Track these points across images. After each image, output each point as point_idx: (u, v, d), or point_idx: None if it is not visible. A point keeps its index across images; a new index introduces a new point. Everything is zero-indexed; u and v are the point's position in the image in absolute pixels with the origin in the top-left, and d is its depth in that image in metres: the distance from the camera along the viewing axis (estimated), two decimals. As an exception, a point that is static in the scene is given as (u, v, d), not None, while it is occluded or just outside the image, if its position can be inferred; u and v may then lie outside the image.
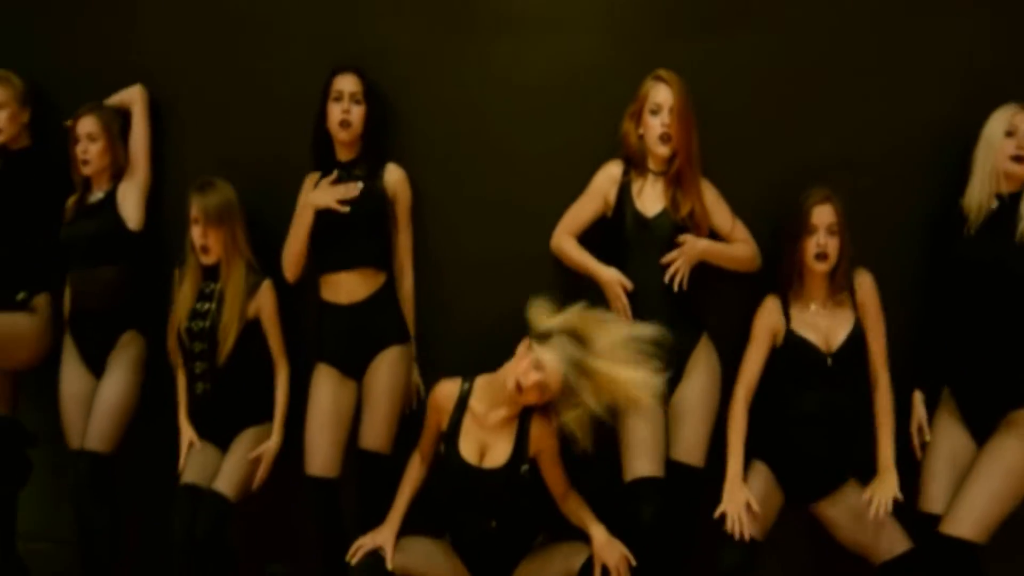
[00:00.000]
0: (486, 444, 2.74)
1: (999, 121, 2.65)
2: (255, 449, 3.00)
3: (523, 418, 2.72)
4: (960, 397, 2.70)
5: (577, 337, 2.57)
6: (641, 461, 2.68)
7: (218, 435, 3.07)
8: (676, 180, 2.76)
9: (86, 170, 3.19)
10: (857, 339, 2.71)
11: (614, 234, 2.82)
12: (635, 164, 2.82)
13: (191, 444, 3.07)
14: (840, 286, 2.73)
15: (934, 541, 2.58)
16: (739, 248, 2.84)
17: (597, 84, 2.97)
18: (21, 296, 3.26)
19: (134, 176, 3.22)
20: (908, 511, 2.65)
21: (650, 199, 2.78)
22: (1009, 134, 2.62)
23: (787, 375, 2.74)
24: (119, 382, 3.13)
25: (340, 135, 2.99)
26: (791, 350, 2.71)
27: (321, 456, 2.95)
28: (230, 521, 2.95)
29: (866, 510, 2.59)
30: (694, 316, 2.85)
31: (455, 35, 3.11)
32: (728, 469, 2.68)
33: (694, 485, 2.75)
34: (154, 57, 3.32)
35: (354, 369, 3.02)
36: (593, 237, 2.88)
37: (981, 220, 2.65)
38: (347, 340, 3.00)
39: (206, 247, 2.97)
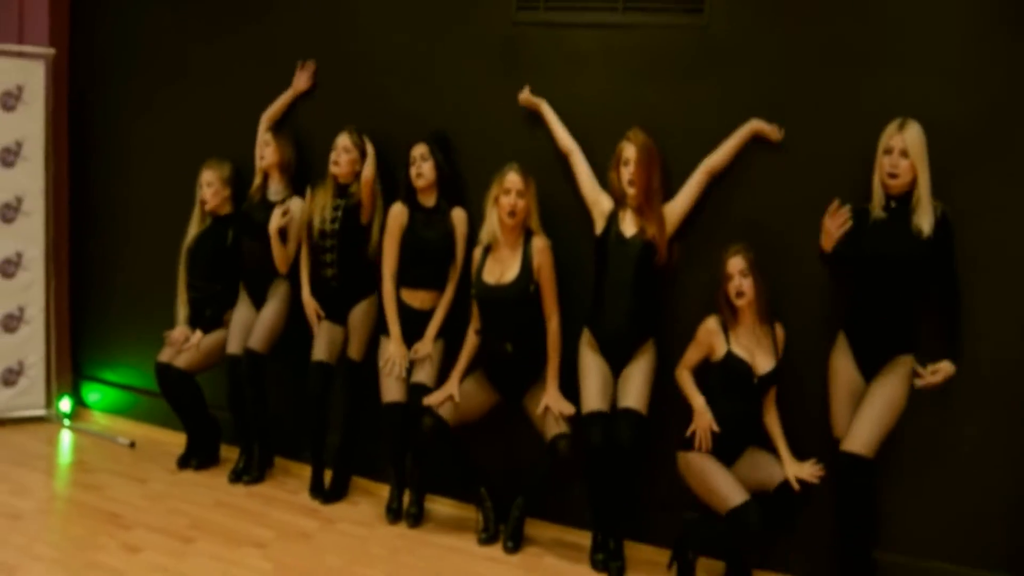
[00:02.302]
0: (502, 271, 3.78)
1: (883, 136, 3.19)
2: (365, 318, 4.20)
3: (525, 247, 3.76)
4: (855, 346, 3.35)
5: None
6: (593, 400, 3.62)
7: (340, 310, 4.22)
8: (640, 211, 3.60)
9: (262, 163, 4.36)
10: (776, 374, 3.45)
11: (601, 249, 3.66)
12: (618, 201, 3.67)
13: (318, 314, 4.24)
14: (764, 320, 3.45)
15: (837, 457, 3.29)
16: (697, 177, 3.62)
17: (599, 112, 3.84)
18: (208, 312, 4.51)
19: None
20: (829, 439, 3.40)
21: (628, 224, 3.62)
22: (887, 152, 3.17)
23: (721, 386, 3.47)
24: (273, 308, 4.37)
25: (418, 183, 3.96)
26: (730, 366, 3.42)
27: (393, 390, 4.01)
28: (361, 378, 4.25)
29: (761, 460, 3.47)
30: (650, 321, 3.69)
31: (500, 77, 4.03)
32: (693, 403, 3.49)
33: (640, 426, 3.56)
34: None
35: (408, 344, 4.08)
36: (588, 253, 3.74)
37: (881, 219, 3.22)
38: (410, 331, 4.05)
39: (337, 162, 4.07)
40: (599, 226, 3.71)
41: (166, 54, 4.89)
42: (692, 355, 3.58)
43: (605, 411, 3.61)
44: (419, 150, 3.97)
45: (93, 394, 5.36)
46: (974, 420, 3.42)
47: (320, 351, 4.25)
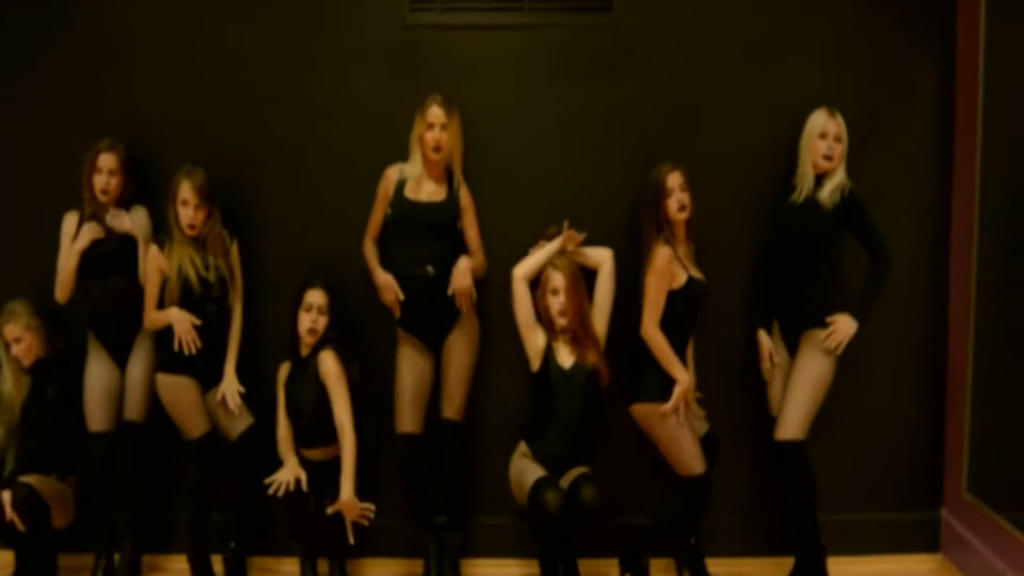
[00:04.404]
0: (428, 195, 3.55)
1: (815, 123, 3.41)
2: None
3: (450, 185, 3.57)
4: (781, 324, 3.55)
5: None
6: (536, 473, 3.41)
7: (214, 347, 3.63)
8: (575, 339, 3.47)
9: (104, 199, 3.58)
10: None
11: (544, 385, 3.47)
12: (551, 331, 3.49)
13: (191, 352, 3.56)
14: (691, 235, 3.48)
15: (773, 446, 3.46)
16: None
17: (506, 119, 3.73)
18: (52, 476, 3.68)
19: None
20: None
21: (564, 355, 3.47)
22: (822, 136, 3.40)
23: (685, 309, 3.41)
24: (144, 366, 3.68)
25: (307, 339, 3.57)
26: (693, 290, 3.40)
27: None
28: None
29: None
30: (591, 444, 3.53)
31: (411, 79, 3.71)
32: (679, 377, 3.37)
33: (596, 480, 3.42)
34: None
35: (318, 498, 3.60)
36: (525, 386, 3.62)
37: (802, 197, 3.43)
38: (317, 481, 3.57)
39: (193, 225, 3.50)
40: (535, 364, 3.52)
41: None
42: (660, 296, 3.37)
43: (550, 478, 3.40)
44: (319, 299, 3.57)
45: None
46: (879, 387, 3.82)
47: (202, 424, 3.64)
